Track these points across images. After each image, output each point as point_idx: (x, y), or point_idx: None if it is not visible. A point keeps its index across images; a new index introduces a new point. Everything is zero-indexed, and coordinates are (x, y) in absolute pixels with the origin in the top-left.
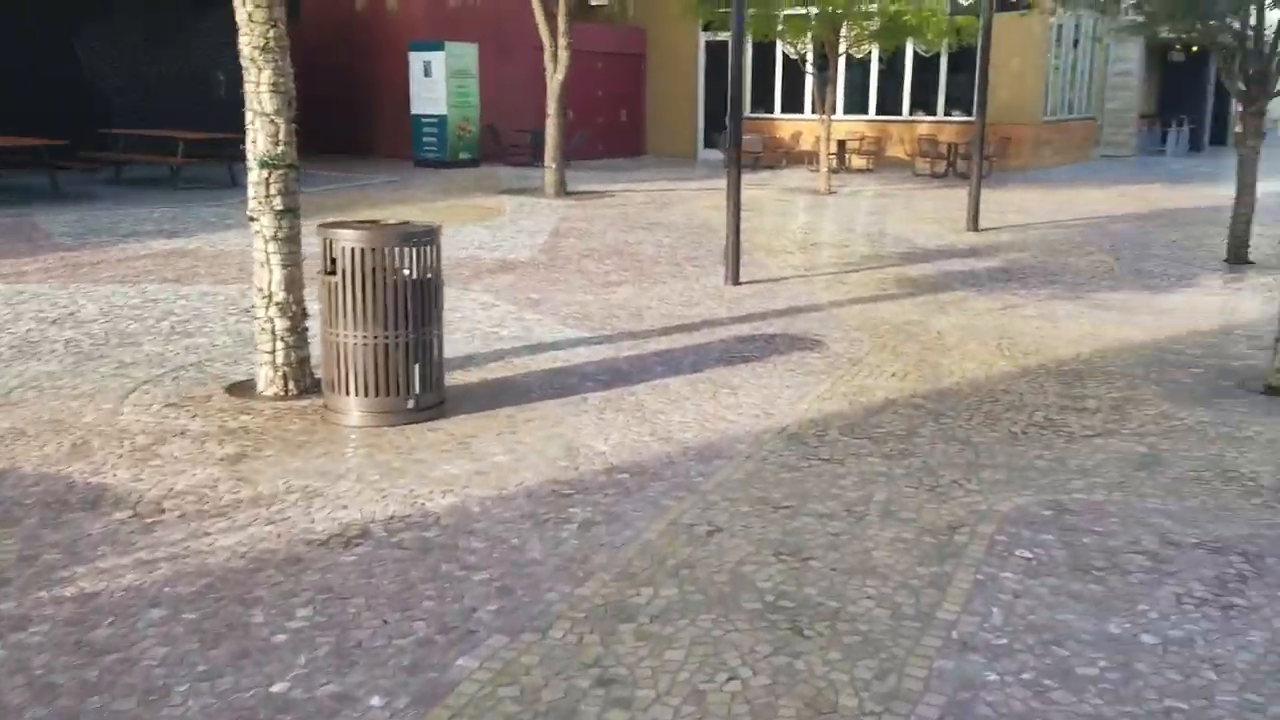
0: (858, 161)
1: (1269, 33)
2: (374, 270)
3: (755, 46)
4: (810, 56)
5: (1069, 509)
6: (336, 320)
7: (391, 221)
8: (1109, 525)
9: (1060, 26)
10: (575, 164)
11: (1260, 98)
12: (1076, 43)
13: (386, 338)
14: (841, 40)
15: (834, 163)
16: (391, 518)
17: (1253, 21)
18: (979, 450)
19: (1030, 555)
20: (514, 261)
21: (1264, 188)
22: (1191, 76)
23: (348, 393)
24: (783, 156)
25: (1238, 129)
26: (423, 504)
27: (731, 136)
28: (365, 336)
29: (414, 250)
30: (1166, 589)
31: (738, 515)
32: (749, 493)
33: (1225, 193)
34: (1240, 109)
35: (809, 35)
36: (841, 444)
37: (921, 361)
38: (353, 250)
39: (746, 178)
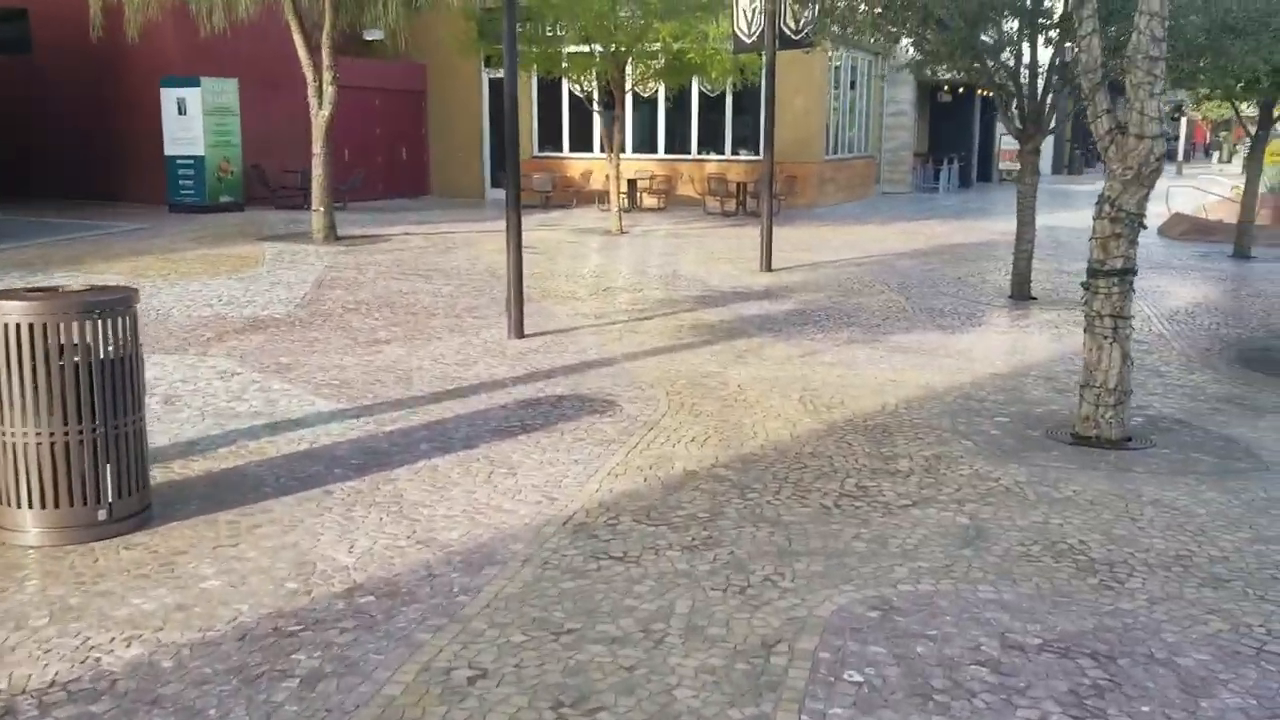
0: (649, 200)
1: (1041, 72)
2: (46, 350)
3: (541, 84)
4: (596, 94)
5: (897, 607)
6: (2, 415)
7: (76, 287)
8: (943, 626)
9: (838, 68)
10: (353, 206)
11: (1036, 135)
12: (854, 84)
13: (67, 434)
14: (627, 78)
15: (625, 202)
16: (50, 684)
17: (1026, 60)
18: (791, 532)
19: (860, 678)
20: (266, 319)
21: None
22: (959, 117)
23: (20, 505)
24: (573, 196)
25: (1013, 166)
26: (97, 660)
27: (510, 176)
28: (39, 434)
29: (101, 322)
30: (1019, 716)
31: (509, 649)
32: (524, 613)
33: (998, 227)
34: (1017, 147)
35: (593, 72)
36: (636, 534)
37: (723, 422)
38: (17, 326)
39: (536, 219)
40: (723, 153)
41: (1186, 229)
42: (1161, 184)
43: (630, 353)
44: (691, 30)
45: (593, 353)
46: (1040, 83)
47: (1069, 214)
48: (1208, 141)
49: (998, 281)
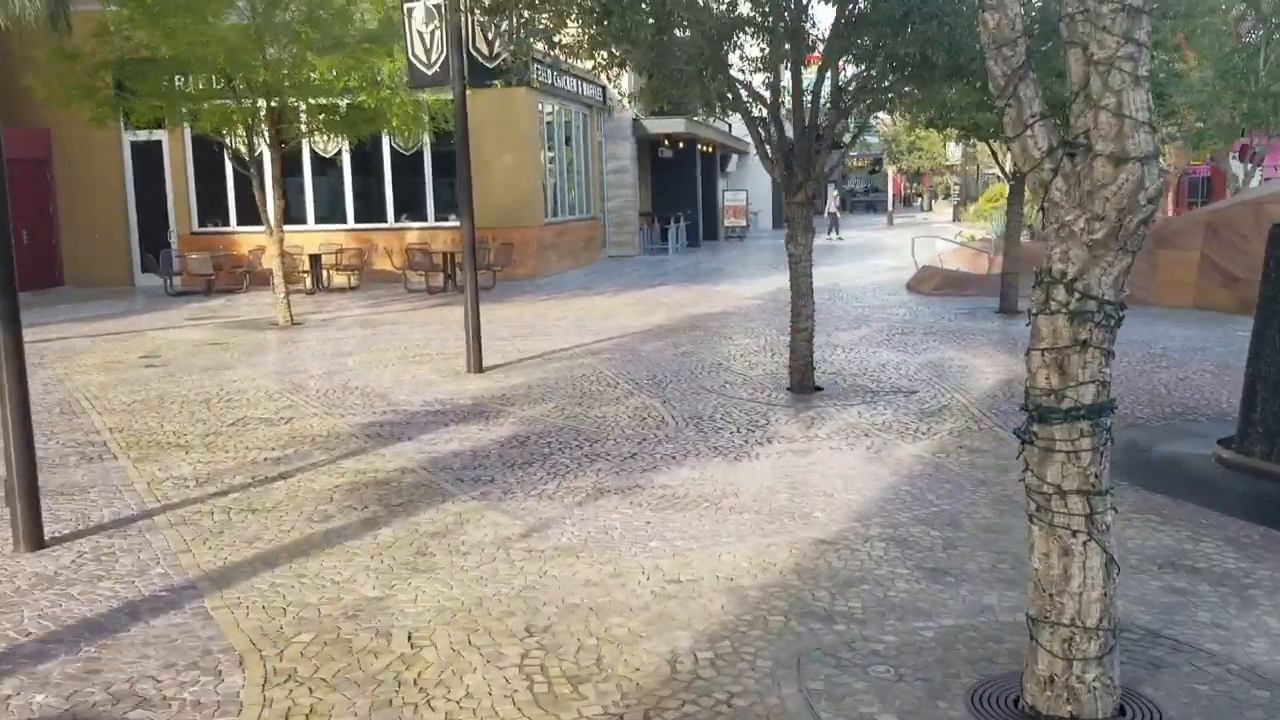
0: (339, 279)
1: (809, 101)
2: None
3: (199, 145)
4: (246, 153)
5: None
6: None
7: None
8: None
9: (550, 122)
10: None
11: (805, 182)
12: (569, 139)
13: None
14: (282, 129)
15: (308, 283)
16: None
17: (788, 85)
18: None
19: None
20: None
21: (771, 284)
22: (681, 173)
23: None
24: (244, 278)
25: (738, 222)
26: None
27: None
28: None
29: None
30: None
31: None
32: None
33: (741, 291)
34: (740, 202)
35: (239, 127)
36: None
37: None
38: None
39: (190, 309)
40: (425, 220)
41: (939, 283)
42: (900, 235)
43: (223, 567)
44: (360, 67)
45: (156, 573)
46: (808, 114)
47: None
48: (903, 194)
49: (768, 367)
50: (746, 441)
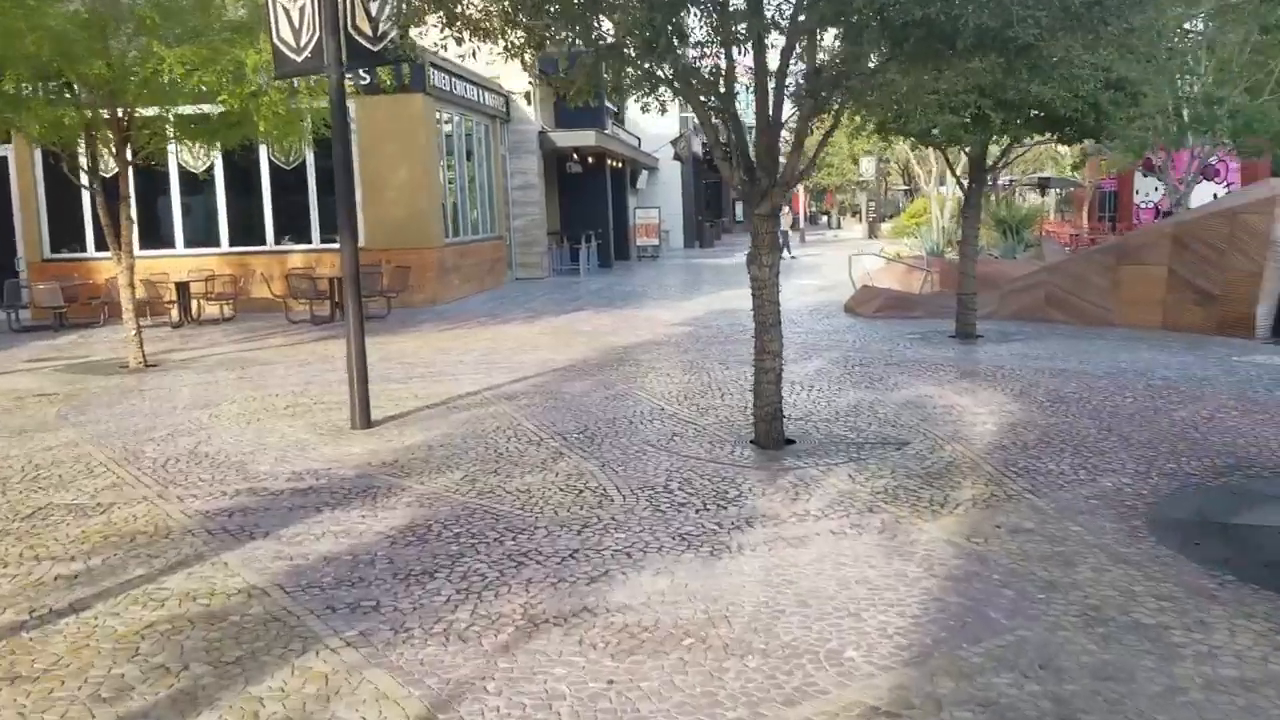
0: (211, 309)
1: (773, 86)
2: None
3: (49, 160)
4: (86, 164)
5: None
6: None
7: None
8: None
9: (450, 135)
10: None
11: (770, 189)
12: (470, 153)
13: None
14: (141, 138)
15: (175, 314)
16: None
17: (747, 69)
18: None
19: None
20: None
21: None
22: (590, 190)
23: None
24: (101, 310)
25: (650, 241)
26: None
27: None
28: None
29: None
30: None
31: None
32: None
33: (665, 316)
34: (653, 221)
35: (78, 137)
36: None
37: None
38: None
39: (33, 348)
40: (309, 242)
41: (881, 305)
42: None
43: None
44: (218, 59)
45: None
46: (771, 103)
47: (736, 291)
48: (808, 210)
49: (720, 411)
50: (720, 525)
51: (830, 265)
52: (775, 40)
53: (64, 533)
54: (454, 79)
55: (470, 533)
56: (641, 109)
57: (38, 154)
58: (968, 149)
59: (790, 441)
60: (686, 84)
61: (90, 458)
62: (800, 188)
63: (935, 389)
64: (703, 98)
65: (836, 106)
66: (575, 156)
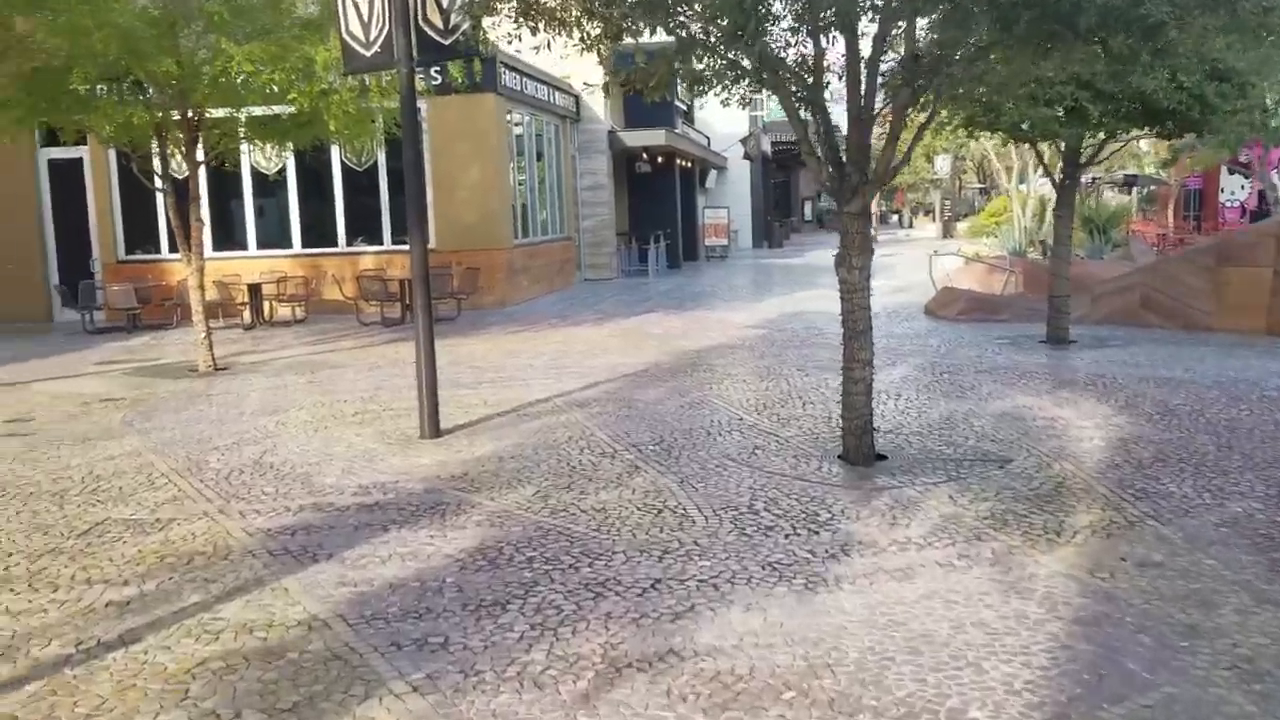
0: (283, 310)
1: (865, 75)
2: None
3: (123, 161)
4: (159, 165)
5: None
6: None
7: None
8: None
9: (520, 135)
10: None
11: (862, 185)
12: (540, 154)
13: None
14: (212, 138)
15: (247, 316)
16: None
17: (840, 56)
18: None
19: None
20: None
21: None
22: (659, 190)
23: None
24: (175, 312)
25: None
26: None
27: None
28: None
29: None
30: None
31: None
32: None
33: (737, 319)
34: (722, 220)
35: (149, 137)
36: None
37: None
38: None
39: (104, 350)
40: (381, 243)
41: (964, 307)
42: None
43: None
44: (287, 56)
45: None
46: (863, 93)
47: (809, 293)
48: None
49: (802, 422)
50: (813, 553)
51: (905, 265)
52: (865, 27)
53: (119, 552)
54: (525, 78)
55: (544, 557)
56: (721, 103)
57: (112, 155)
58: (1061, 144)
59: (881, 457)
60: (772, 74)
61: (152, 468)
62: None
63: (1033, 399)
64: (791, 87)
65: (933, 97)
66: (644, 156)
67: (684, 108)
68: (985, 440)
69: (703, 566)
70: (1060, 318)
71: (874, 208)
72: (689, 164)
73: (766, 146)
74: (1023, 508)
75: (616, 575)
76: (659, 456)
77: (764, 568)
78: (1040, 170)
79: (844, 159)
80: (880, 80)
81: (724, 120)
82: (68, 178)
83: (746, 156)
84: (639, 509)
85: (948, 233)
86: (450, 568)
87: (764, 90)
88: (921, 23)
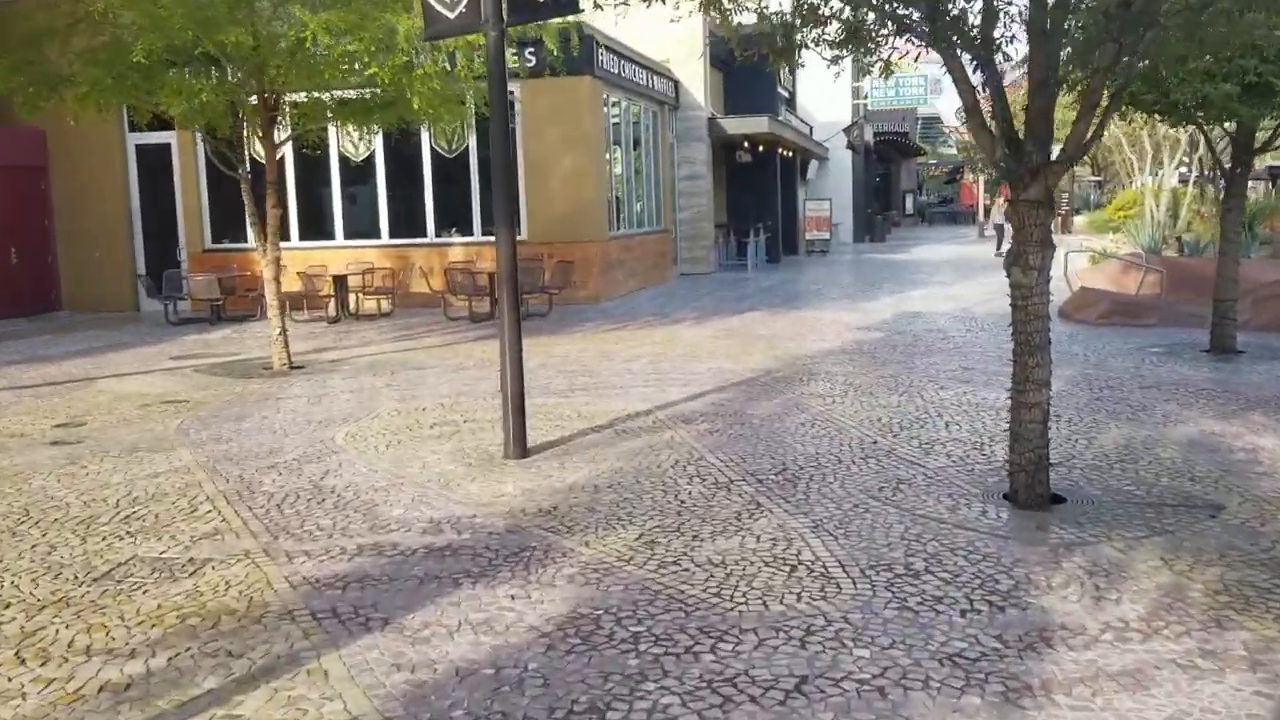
0: (369, 303)
1: (1052, 24)
2: None
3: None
4: (233, 151)
5: None
6: None
7: None
8: None
9: (617, 123)
10: None
11: (1043, 168)
12: (638, 141)
13: None
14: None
15: (332, 308)
16: None
17: (1023, 9)
18: None
19: None
20: None
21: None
22: (760, 180)
23: None
24: (259, 302)
25: (821, 235)
26: None
27: None
28: None
29: None
30: None
31: None
32: None
33: (848, 319)
34: (824, 213)
35: (224, 117)
36: None
37: None
38: None
39: (185, 343)
40: (471, 234)
41: (1105, 310)
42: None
43: None
44: (367, 25)
45: None
46: (1046, 54)
47: (922, 292)
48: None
49: (950, 448)
50: (1002, 641)
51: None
52: None
53: (136, 606)
54: (623, 60)
55: (652, 634)
56: (862, 71)
57: (197, 141)
58: (1233, 126)
59: (1058, 499)
60: (935, 26)
61: (198, 490)
62: (970, 182)
63: (1222, 424)
64: (957, 44)
65: (1128, 59)
66: (745, 145)
67: (786, 95)
68: (1180, 478)
69: (860, 659)
70: (1226, 324)
71: (979, 202)
72: (790, 153)
73: (869, 136)
74: (1261, 576)
75: (748, 668)
76: (783, 490)
77: (942, 663)
78: (1177, 160)
79: (1018, 135)
80: (1074, 35)
81: (826, 108)
82: (156, 164)
83: (849, 146)
84: (767, 564)
85: (1065, 228)
86: (534, 646)
87: (929, 48)
88: None
